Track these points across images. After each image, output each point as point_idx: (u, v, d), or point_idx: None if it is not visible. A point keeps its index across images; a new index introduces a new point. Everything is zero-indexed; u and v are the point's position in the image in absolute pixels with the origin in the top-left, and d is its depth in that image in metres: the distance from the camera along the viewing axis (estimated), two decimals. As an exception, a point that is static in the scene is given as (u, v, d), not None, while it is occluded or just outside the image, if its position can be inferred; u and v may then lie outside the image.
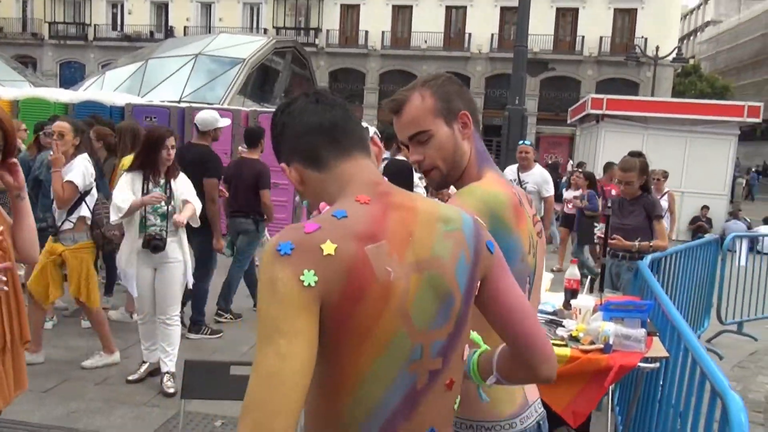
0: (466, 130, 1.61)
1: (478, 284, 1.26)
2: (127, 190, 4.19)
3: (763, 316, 6.95)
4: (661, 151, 12.53)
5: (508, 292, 1.28)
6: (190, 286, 6.34)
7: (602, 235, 4.96)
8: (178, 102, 13.45)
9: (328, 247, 1.09)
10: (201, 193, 5.15)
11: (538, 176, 6.71)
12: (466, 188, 1.54)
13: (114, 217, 4.20)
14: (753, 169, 36.81)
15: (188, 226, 5.39)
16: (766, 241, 9.27)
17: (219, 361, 2.76)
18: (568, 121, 20.56)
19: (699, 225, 13.95)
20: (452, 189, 1.72)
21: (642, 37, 30.98)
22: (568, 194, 9.33)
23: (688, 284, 5.75)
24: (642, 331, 2.87)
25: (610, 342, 2.78)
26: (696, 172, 13.88)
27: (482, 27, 33.42)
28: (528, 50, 12.45)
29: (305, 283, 1.07)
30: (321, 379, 1.15)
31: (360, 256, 1.11)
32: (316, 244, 1.09)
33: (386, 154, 7.92)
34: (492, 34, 33.60)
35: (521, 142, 7.29)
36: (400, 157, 5.57)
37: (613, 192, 9.02)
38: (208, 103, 13.66)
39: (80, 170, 4.47)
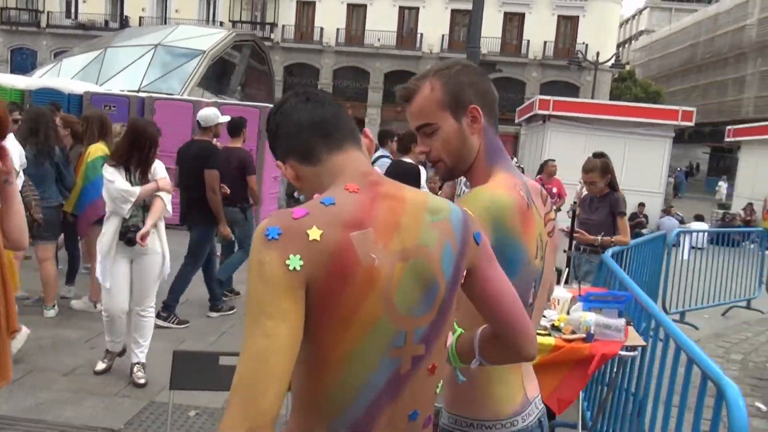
0: (475, 124, 1.56)
1: (464, 273, 1.29)
2: (123, 180, 4.14)
3: (702, 306, 7.51)
4: (602, 150, 13.50)
5: (495, 280, 1.32)
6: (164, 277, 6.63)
7: (568, 230, 5.16)
8: (137, 92, 13.39)
9: (314, 233, 1.12)
10: (203, 185, 5.50)
11: None
12: (471, 193, 1.50)
13: (126, 207, 4.11)
14: (678, 169, 39.01)
15: (193, 217, 5.64)
16: (700, 236, 9.94)
17: (208, 351, 2.73)
18: (516, 121, 21.52)
19: (638, 221, 15.09)
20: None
21: (583, 42, 32.63)
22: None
23: (639, 277, 5.95)
24: (621, 321, 2.92)
25: (592, 331, 2.84)
26: (634, 171, 14.60)
27: (433, 27, 34.47)
28: (478, 52, 13.00)
29: (290, 267, 1.10)
30: (307, 362, 1.19)
31: (345, 242, 1.14)
32: (303, 229, 1.12)
33: (381, 152, 8.29)
34: (443, 35, 34.67)
35: None
36: (407, 159, 5.67)
37: (554, 189, 9.69)
38: (167, 94, 13.77)
39: (14, 151, 4.25)
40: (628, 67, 43.59)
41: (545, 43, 33.85)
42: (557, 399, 2.75)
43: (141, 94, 11.58)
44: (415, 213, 1.23)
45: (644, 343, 3.13)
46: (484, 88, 1.58)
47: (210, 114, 5.77)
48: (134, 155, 4.20)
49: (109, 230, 4.19)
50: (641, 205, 15.19)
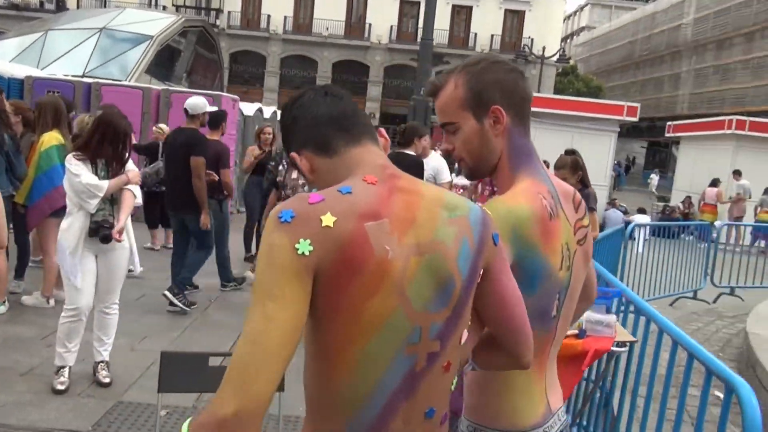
0: (497, 125, 1.48)
1: (481, 272, 1.26)
2: (90, 174, 3.96)
3: (653, 298, 7.58)
4: (549, 144, 13.81)
5: (505, 284, 1.30)
6: (137, 273, 6.52)
7: None
8: (82, 77, 12.90)
9: (328, 219, 1.10)
10: (189, 172, 5.59)
11: (435, 163, 6.39)
12: (490, 204, 1.42)
13: (93, 203, 3.93)
14: (617, 162, 40.29)
15: (179, 204, 5.70)
16: (645, 229, 10.30)
17: (197, 352, 2.67)
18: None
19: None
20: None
21: (529, 37, 33.24)
22: (458, 180, 9.87)
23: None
24: (612, 317, 2.94)
25: (584, 327, 2.85)
26: None
27: (382, 18, 34.45)
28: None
29: (299, 251, 1.08)
30: (318, 363, 1.17)
31: (359, 231, 1.11)
32: (317, 215, 1.10)
33: None
34: (391, 26, 34.68)
35: None
36: (408, 151, 5.69)
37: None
38: (114, 79, 13.35)
39: None
40: (571, 62, 44.64)
41: (492, 36, 34.30)
42: None
43: (86, 80, 11.20)
44: (432, 208, 1.22)
45: (634, 339, 3.17)
46: (512, 86, 1.49)
47: (199, 102, 5.90)
48: (105, 151, 4.01)
49: (74, 225, 3.98)
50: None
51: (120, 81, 13.52)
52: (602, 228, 14.93)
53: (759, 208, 14.14)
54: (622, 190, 30.70)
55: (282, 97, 33.19)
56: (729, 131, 16.26)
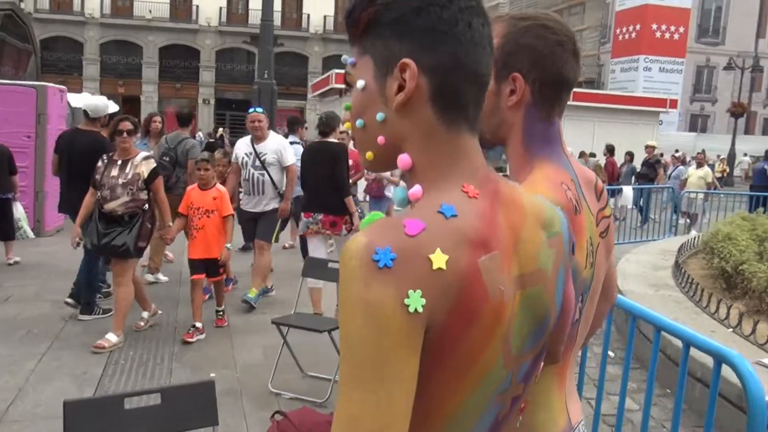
0: (512, 96, 1.27)
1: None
2: None
3: None
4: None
5: (569, 295, 1.10)
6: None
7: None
8: None
9: (439, 259, 0.83)
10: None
11: (276, 145, 5.96)
12: None
13: None
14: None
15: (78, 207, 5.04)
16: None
17: (108, 396, 2.34)
18: (309, 96, 21.58)
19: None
20: None
21: (361, 17, 33.47)
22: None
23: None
24: None
25: None
26: None
27: (210, -1, 32.98)
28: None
29: (411, 309, 0.81)
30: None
31: (473, 270, 0.86)
32: (424, 252, 0.83)
33: (292, 138, 7.81)
34: (220, 7, 33.27)
35: (251, 109, 6.16)
36: (331, 140, 5.56)
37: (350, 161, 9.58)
38: None
39: None
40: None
41: (325, 17, 34.10)
42: None
43: None
44: (533, 227, 0.98)
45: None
46: (548, 62, 1.26)
47: (99, 104, 5.71)
48: None
49: None
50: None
51: None
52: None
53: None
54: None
55: (104, 87, 30.72)
56: (557, 102, 17.46)
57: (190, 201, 5.08)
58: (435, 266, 0.82)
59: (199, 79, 34.24)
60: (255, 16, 28.28)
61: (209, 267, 5.07)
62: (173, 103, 31.18)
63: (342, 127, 5.77)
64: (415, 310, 0.80)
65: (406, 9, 0.90)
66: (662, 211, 11.99)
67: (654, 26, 29.47)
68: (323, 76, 19.32)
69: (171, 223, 5.13)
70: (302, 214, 5.57)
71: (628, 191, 11.71)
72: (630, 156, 14.82)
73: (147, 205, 4.87)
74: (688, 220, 11.87)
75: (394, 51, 0.91)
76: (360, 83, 0.96)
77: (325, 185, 5.31)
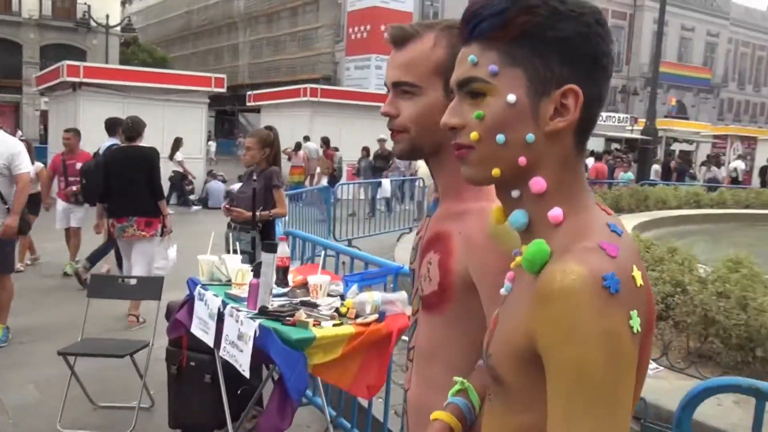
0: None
1: None
2: None
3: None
4: (145, 119, 13.15)
5: None
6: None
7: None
8: None
9: (638, 275, 0.84)
10: None
11: (9, 148, 4.92)
12: (502, 228, 1.06)
13: None
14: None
15: None
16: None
17: None
18: (35, 89, 19.07)
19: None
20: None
21: (85, 3, 30.49)
22: None
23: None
24: (403, 293, 2.80)
25: (381, 309, 2.71)
26: (175, 137, 14.49)
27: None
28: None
29: (634, 330, 0.81)
30: None
31: (648, 282, 0.88)
32: (630, 273, 0.83)
33: (111, 140, 6.76)
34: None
35: None
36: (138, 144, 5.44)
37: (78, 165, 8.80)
38: None
39: None
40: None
41: (41, 2, 30.40)
42: (366, 386, 2.63)
43: None
44: None
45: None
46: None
47: None
48: None
49: None
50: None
51: None
52: (206, 201, 15.07)
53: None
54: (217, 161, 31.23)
55: None
56: (305, 98, 17.90)
57: None
58: (638, 283, 0.83)
59: (23, 76, 29.25)
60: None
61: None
62: None
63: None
64: (637, 330, 0.81)
65: (572, 32, 0.88)
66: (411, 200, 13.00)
67: (383, 27, 31.57)
68: (51, 68, 17.15)
69: None
70: (112, 221, 5.45)
71: (386, 184, 12.50)
72: (366, 151, 15.49)
73: None
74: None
75: (556, 73, 0.88)
76: (511, 98, 0.90)
77: (138, 189, 5.40)
